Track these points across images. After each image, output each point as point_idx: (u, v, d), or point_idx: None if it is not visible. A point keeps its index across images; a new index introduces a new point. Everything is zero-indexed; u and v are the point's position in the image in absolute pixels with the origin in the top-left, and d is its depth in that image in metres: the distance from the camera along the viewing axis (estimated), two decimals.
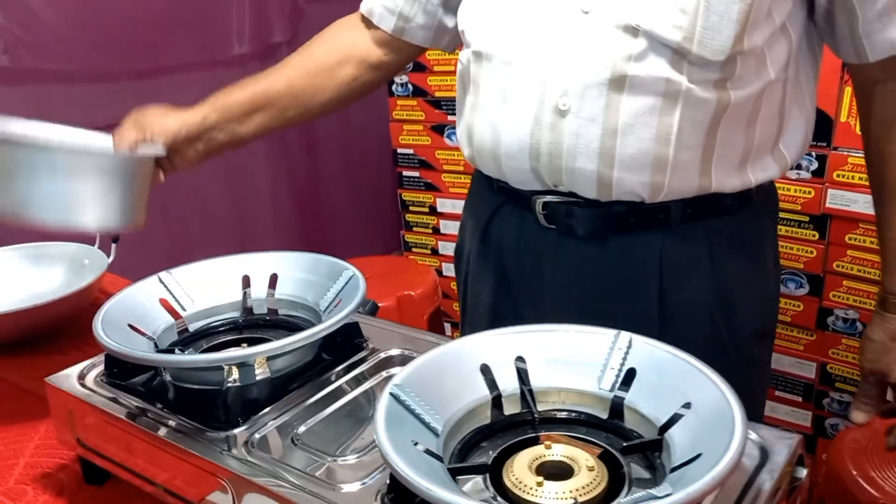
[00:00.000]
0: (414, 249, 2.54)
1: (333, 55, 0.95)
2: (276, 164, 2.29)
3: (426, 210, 2.47)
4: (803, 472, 0.58)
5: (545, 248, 0.83)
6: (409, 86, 2.33)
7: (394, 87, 2.34)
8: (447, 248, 2.46)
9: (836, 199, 1.62)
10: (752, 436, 0.58)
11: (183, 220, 2.09)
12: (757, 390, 0.92)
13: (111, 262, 1.14)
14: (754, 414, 0.89)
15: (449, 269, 2.47)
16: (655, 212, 0.78)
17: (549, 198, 0.80)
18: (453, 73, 2.23)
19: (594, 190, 0.76)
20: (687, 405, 0.55)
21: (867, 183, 0.85)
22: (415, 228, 2.52)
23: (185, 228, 2.10)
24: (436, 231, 2.47)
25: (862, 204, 1.58)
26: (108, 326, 0.71)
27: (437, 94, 2.29)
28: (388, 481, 0.55)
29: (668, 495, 0.45)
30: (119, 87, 1.93)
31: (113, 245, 1.15)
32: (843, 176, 1.60)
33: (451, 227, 2.44)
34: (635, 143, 0.73)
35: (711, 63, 0.71)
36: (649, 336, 0.61)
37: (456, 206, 2.40)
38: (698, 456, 0.50)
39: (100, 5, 1.84)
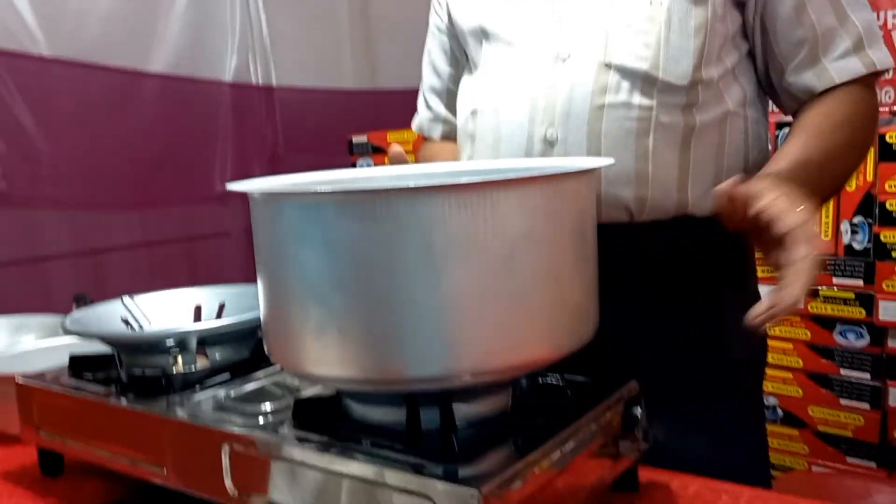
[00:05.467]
0: None
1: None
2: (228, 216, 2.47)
3: None
4: (639, 410, 0.71)
5: None
6: None
7: None
8: None
9: None
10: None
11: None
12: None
13: None
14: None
15: None
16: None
17: None
18: None
19: None
20: None
21: None
22: None
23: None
24: None
25: None
26: (76, 325, 0.85)
27: None
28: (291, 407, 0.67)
29: None
30: (106, 216, 2.13)
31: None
32: None
33: None
34: (617, 162, 0.82)
35: (677, 87, 0.85)
36: None
37: None
38: None
39: (93, 142, 2.08)
